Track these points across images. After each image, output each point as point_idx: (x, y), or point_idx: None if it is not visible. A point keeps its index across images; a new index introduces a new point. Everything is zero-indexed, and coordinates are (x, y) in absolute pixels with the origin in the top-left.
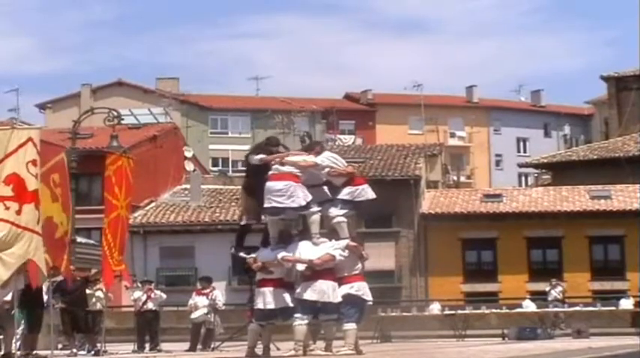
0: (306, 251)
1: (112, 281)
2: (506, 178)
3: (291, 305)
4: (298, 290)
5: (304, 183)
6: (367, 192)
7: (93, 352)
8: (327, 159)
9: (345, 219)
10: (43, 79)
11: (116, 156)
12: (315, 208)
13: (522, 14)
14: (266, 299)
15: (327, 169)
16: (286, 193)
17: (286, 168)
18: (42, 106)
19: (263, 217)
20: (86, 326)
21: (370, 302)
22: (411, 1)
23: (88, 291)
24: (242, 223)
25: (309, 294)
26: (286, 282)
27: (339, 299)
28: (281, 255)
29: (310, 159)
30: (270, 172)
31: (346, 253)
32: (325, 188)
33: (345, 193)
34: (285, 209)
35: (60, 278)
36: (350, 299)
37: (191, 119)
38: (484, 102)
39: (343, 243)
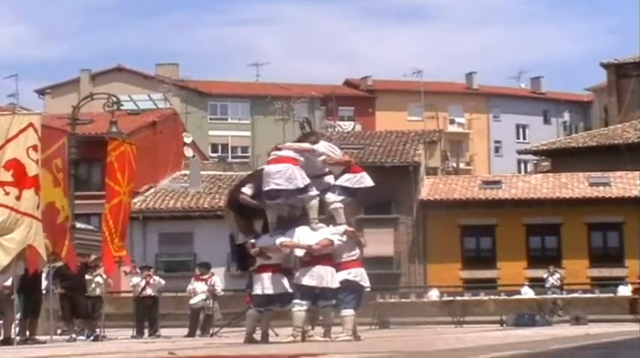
0: (305, 236)
1: (112, 267)
2: (506, 165)
3: (289, 290)
4: (297, 276)
5: (306, 174)
6: (366, 180)
7: (92, 337)
8: (323, 147)
9: (341, 205)
10: (42, 65)
11: (119, 142)
12: (313, 192)
13: (523, 2)
14: (264, 284)
15: (323, 157)
16: (284, 175)
17: (284, 152)
18: (41, 92)
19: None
20: (85, 312)
21: (368, 289)
22: None
23: (87, 277)
24: (238, 243)
25: (308, 280)
26: (285, 268)
27: (338, 285)
28: (279, 240)
29: (307, 144)
30: (269, 158)
31: (344, 238)
32: (327, 178)
33: (343, 180)
34: (283, 191)
35: (59, 263)
36: (347, 286)
37: (190, 105)
38: (484, 89)
39: (341, 228)
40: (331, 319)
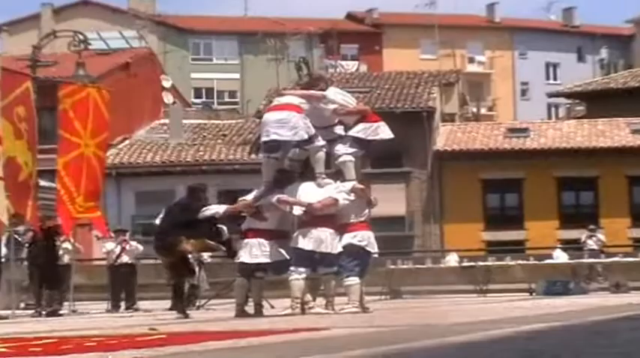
0: (307, 193)
1: (69, 229)
2: (534, 110)
3: (285, 257)
4: (293, 238)
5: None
6: (383, 131)
7: (59, 311)
8: (334, 94)
9: (352, 159)
10: None
11: (77, 87)
12: (319, 142)
13: None
14: (252, 251)
15: (334, 106)
16: (287, 124)
17: (287, 99)
18: None
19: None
20: (57, 282)
21: (375, 255)
22: None
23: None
24: (207, 215)
25: (305, 243)
26: (279, 231)
27: (340, 250)
28: (276, 196)
29: (328, 199)
30: (271, 104)
31: (352, 197)
32: (336, 129)
33: (357, 130)
34: (285, 143)
35: (23, 227)
36: (351, 251)
37: (169, 44)
38: (507, 22)
39: (349, 185)
40: (332, 288)
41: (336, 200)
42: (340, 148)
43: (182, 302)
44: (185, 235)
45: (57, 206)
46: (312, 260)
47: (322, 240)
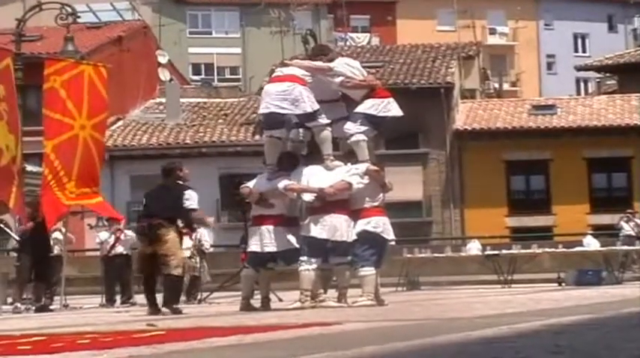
0: (316, 177)
1: (54, 219)
2: (561, 85)
3: (295, 246)
4: (304, 226)
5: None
6: (393, 107)
7: (49, 306)
8: (342, 66)
9: (365, 138)
10: None
11: (69, 64)
12: (324, 120)
13: None
14: (263, 240)
15: (340, 78)
16: (289, 96)
17: (289, 70)
18: None
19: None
20: (46, 275)
21: (392, 242)
22: None
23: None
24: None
25: (318, 231)
26: (289, 218)
27: (354, 238)
28: (283, 183)
29: (342, 183)
30: (272, 75)
31: (366, 180)
32: (342, 105)
33: (366, 106)
34: (287, 116)
35: (6, 215)
36: (366, 238)
37: (165, 16)
38: None
39: (362, 166)
40: (347, 280)
41: (350, 184)
42: (351, 127)
43: (176, 296)
44: (172, 222)
45: (42, 192)
46: (325, 249)
47: (337, 227)
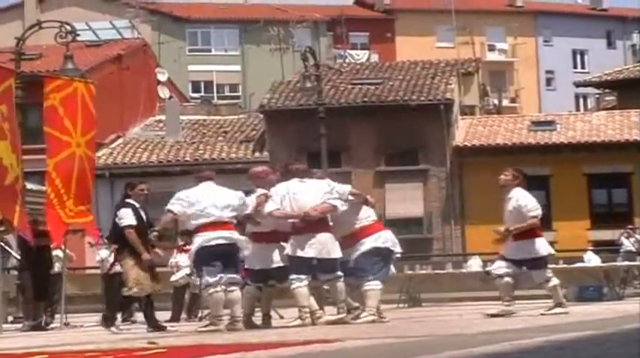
0: (298, 195)
1: (60, 237)
2: (560, 101)
3: (286, 263)
4: (290, 246)
5: None
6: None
7: (50, 324)
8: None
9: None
10: None
11: (64, 81)
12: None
13: None
14: (264, 257)
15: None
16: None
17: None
18: None
19: None
20: (45, 293)
21: (398, 255)
22: None
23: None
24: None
25: (305, 251)
26: (283, 233)
27: (339, 255)
28: (268, 208)
29: (326, 205)
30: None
31: (350, 200)
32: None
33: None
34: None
35: (9, 235)
36: (377, 253)
37: (164, 34)
38: (531, 6)
39: (346, 188)
40: (341, 292)
41: (335, 206)
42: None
43: (151, 315)
44: (120, 243)
45: (46, 211)
46: (311, 267)
47: (323, 245)
